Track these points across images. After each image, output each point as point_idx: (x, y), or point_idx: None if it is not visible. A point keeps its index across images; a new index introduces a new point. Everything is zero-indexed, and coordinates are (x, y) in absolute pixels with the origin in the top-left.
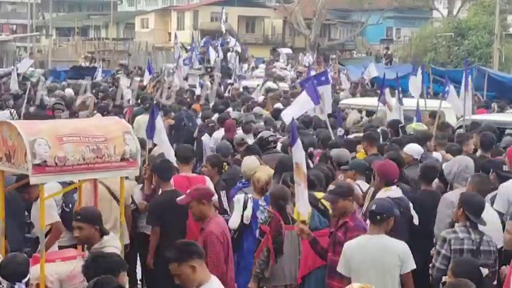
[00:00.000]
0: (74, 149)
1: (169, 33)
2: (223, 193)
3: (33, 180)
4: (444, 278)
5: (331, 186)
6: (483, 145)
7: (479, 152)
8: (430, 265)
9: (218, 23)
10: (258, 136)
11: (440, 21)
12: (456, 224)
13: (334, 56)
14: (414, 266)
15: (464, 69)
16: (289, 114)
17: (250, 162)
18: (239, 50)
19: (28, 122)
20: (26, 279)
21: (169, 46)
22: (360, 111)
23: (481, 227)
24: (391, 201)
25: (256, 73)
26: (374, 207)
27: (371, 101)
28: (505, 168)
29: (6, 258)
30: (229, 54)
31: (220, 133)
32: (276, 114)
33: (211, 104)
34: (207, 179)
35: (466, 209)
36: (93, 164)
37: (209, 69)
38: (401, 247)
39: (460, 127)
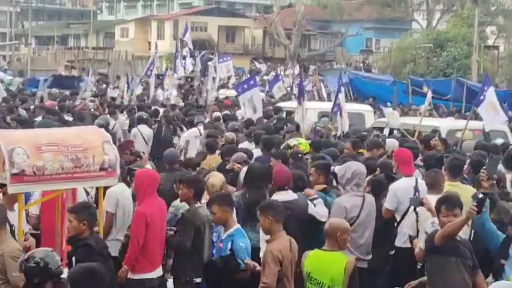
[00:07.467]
0: (53, 159)
1: (149, 43)
2: None
3: (11, 189)
4: None
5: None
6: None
7: None
8: None
9: (198, 33)
10: None
11: (419, 33)
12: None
13: (314, 67)
14: None
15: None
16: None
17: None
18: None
19: (7, 131)
20: None
21: (149, 55)
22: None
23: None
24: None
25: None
26: None
27: (290, 104)
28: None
29: None
30: (209, 63)
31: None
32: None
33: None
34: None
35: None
36: (72, 173)
37: (189, 79)
38: None
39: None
